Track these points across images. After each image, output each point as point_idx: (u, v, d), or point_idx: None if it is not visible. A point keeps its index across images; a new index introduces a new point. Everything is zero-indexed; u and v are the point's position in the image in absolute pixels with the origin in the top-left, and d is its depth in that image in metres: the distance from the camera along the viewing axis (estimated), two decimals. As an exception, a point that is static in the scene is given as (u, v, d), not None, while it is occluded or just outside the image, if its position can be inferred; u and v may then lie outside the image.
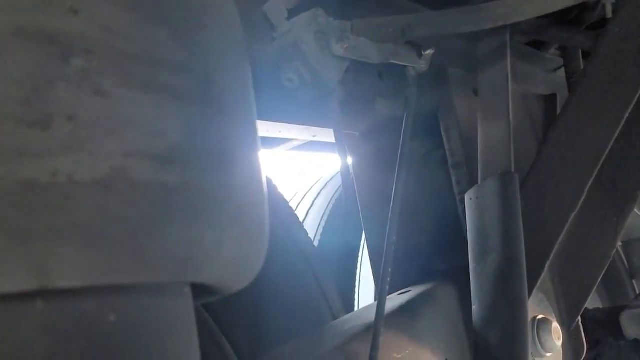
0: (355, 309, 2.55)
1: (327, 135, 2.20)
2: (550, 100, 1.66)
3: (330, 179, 3.04)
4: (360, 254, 2.67)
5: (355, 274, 2.64)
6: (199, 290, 0.46)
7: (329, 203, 2.81)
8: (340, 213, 2.73)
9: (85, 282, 0.34)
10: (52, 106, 0.33)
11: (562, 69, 1.70)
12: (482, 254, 1.01)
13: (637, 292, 2.38)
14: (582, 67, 1.48)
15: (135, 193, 0.35)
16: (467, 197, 1.09)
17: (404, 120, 1.00)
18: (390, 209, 0.93)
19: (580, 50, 1.48)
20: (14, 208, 0.31)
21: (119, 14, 0.36)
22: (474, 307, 1.01)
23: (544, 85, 1.69)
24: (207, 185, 0.40)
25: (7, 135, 0.32)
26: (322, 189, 2.93)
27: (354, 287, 2.61)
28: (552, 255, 1.11)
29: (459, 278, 1.17)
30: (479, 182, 1.09)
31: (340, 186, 2.92)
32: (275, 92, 0.97)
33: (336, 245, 2.65)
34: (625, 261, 2.36)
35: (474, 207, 1.05)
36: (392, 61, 1.00)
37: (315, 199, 2.89)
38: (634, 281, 2.38)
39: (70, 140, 0.33)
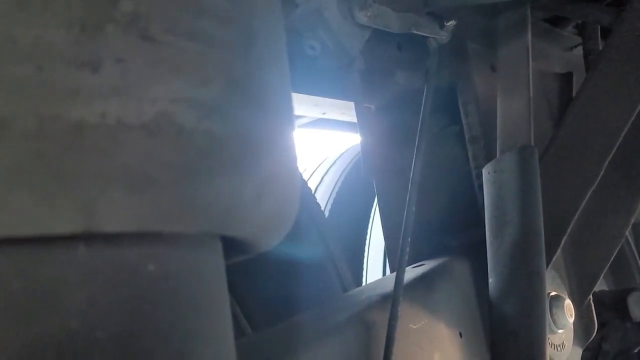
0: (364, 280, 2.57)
1: (336, 112, 2.19)
2: (566, 78, 1.65)
3: (339, 157, 3.03)
4: (368, 234, 2.68)
5: (363, 253, 2.65)
6: (230, 246, 0.46)
7: (338, 180, 2.81)
8: (349, 191, 2.73)
9: (130, 227, 0.34)
10: (102, 49, 0.33)
11: (579, 48, 1.69)
12: (499, 227, 1.01)
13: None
14: (599, 45, 1.47)
15: (181, 139, 0.35)
16: (484, 171, 1.09)
17: (425, 91, 1.00)
18: (410, 180, 0.93)
19: (599, 29, 1.47)
20: (65, 149, 0.31)
21: None
22: (490, 280, 1.01)
23: (560, 63, 1.68)
24: (248, 138, 0.39)
25: (59, 76, 0.31)
26: (331, 166, 2.93)
27: (361, 269, 2.62)
28: (568, 230, 1.11)
29: (473, 253, 1.17)
30: (498, 156, 1.09)
31: (349, 163, 2.92)
32: (295, 62, 0.97)
33: (344, 224, 2.66)
34: (633, 244, 2.35)
35: (492, 181, 1.05)
36: (414, 31, 0.99)
37: (324, 175, 2.88)
38: (641, 264, 2.38)
39: (119, 83, 0.33)
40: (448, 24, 1.01)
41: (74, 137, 0.31)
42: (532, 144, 1.06)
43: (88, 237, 0.33)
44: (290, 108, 0.47)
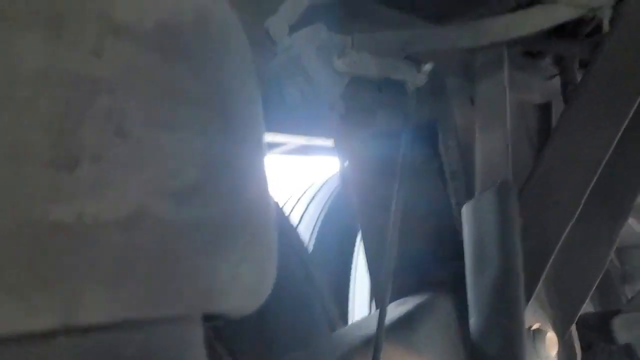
0: (350, 315, 2.56)
1: (320, 138, 2.20)
2: (545, 108, 1.68)
3: (324, 184, 3.04)
4: (354, 260, 2.68)
5: (349, 280, 2.65)
6: (210, 316, 0.47)
7: (323, 208, 2.82)
8: (334, 218, 2.74)
9: (110, 318, 0.35)
10: (78, 148, 0.34)
11: (557, 77, 1.72)
12: (479, 266, 1.02)
13: (629, 297, 2.40)
14: (577, 76, 1.49)
15: (158, 230, 0.36)
16: (464, 208, 1.10)
17: (403, 134, 1.02)
18: (391, 225, 0.94)
19: (576, 60, 1.50)
20: (42, 250, 0.32)
21: (142, 53, 0.37)
22: (471, 319, 1.02)
23: (539, 93, 1.71)
24: (225, 219, 0.41)
25: (37, 178, 0.32)
26: (316, 193, 2.94)
27: (348, 293, 2.62)
28: (548, 265, 1.12)
29: (456, 288, 1.18)
30: (477, 193, 1.10)
31: (333, 191, 2.93)
32: (276, 105, 0.98)
33: (330, 251, 2.66)
34: (619, 267, 2.38)
35: (471, 219, 1.07)
36: (392, 76, 1.01)
37: (309, 203, 2.89)
38: (626, 286, 2.40)
39: (96, 182, 0.34)
40: (425, 67, 1.03)
41: (51, 238, 0.32)
42: (511, 180, 1.08)
43: (68, 330, 0.34)
44: (265, 181, 0.48)
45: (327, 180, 3.08)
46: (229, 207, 0.41)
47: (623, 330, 2.16)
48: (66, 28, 0.34)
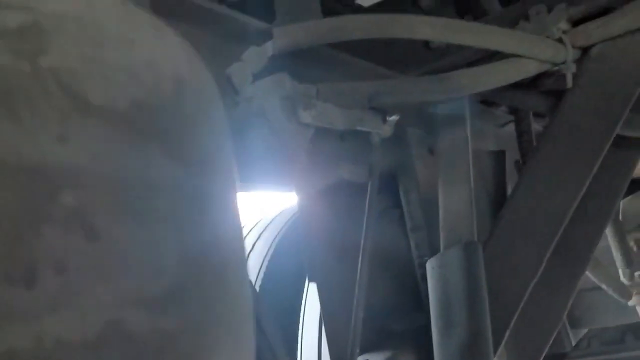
0: (298, 355, 2.49)
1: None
2: (499, 156, 1.67)
3: (271, 222, 2.97)
4: (303, 300, 2.62)
5: (299, 319, 2.58)
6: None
7: (270, 247, 2.75)
8: (284, 255, 2.67)
9: None
10: (38, 257, 0.28)
11: (510, 124, 1.72)
12: (446, 327, 0.99)
13: (575, 342, 2.41)
14: (532, 127, 1.49)
15: (132, 346, 0.30)
16: (428, 265, 1.07)
17: (369, 187, 0.98)
18: (357, 281, 0.90)
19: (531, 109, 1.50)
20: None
21: (111, 137, 0.32)
22: (438, 383, 0.98)
23: (493, 141, 1.70)
24: (206, 324, 0.35)
25: (-14, 298, 0.27)
26: (263, 231, 2.87)
27: (297, 333, 2.55)
28: (512, 325, 1.09)
29: (417, 340, 1.15)
30: (442, 250, 1.07)
31: (283, 226, 2.86)
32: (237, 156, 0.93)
33: (278, 290, 2.59)
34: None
35: (436, 277, 1.03)
36: (358, 127, 0.98)
37: (256, 241, 2.82)
38: (573, 330, 2.41)
39: (59, 296, 0.28)
40: (390, 118, 1.00)
41: (3, 370, 0.27)
42: (475, 238, 1.05)
43: None
44: (246, 272, 0.43)
45: (276, 216, 3.01)
46: (211, 309, 0.36)
47: (571, 376, 2.16)
48: (26, 108, 0.29)
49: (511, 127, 1.72)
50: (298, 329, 2.57)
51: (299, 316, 2.62)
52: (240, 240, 0.42)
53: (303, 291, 2.66)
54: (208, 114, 0.41)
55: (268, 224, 2.97)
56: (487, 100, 1.60)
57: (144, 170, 0.33)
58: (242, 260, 0.42)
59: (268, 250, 2.74)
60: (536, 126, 1.57)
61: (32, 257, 0.28)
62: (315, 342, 2.50)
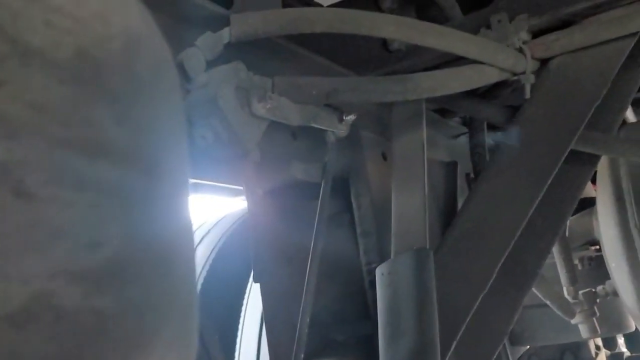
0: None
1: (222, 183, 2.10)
2: (450, 167, 1.66)
3: (213, 226, 2.91)
4: (243, 308, 2.57)
5: (237, 326, 2.53)
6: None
7: (212, 252, 2.69)
8: (225, 261, 2.62)
9: None
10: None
11: (463, 137, 1.72)
12: (394, 336, 0.95)
13: (513, 359, 2.42)
14: (485, 139, 1.49)
15: (61, 324, 0.26)
16: (378, 271, 1.04)
17: (322, 186, 0.95)
18: (306, 281, 0.87)
19: (485, 123, 1.49)
20: None
21: (53, 87, 0.28)
22: (383, 392, 0.95)
23: (445, 151, 1.69)
24: (148, 307, 0.31)
25: None
26: (205, 236, 2.80)
27: (236, 336, 2.50)
28: (459, 336, 1.07)
29: (361, 349, 1.12)
30: (393, 256, 1.04)
31: (225, 232, 2.81)
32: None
33: (218, 296, 2.53)
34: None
35: (386, 284, 1.00)
36: (313, 124, 0.94)
37: (197, 246, 2.75)
38: (512, 348, 2.42)
39: (-27, 261, 0.24)
40: (347, 117, 0.97)
41: None
42: (427, 245, 1.03)
43: None
44: (192, 257, 0.39)
45: (218, 221, 2.95)
46: (153, 293, 0.31)
47: (510, 393, 2.17)
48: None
49: (464, 139, 1.72)
50: (237, 333, 2.52)
51: (239, 320, 2.57)
52: (190, 223, 0.38)
53: (244, 297, 2.61)
54: (161, 78, 0.37)
55: (210, 230, 2.91)
56: (441, 110, 1.59)
57: (88, 131, 0.29)
58: (190, 245, 0.38)
59: (209, 255, 2.68)
60: (488, 140, 1.57)
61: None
62: (255, 347, 2.46)
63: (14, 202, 0.25)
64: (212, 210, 3.21)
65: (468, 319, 1.09)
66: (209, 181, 1.13)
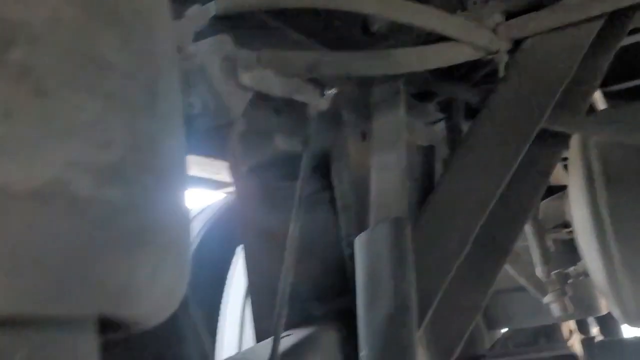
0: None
1: (195, 168, 2.13)
2: (428, 151, 1.71)
3: (194, 217, 2.94)
4: (224, 301, 2.60)
5: (218, 321, 2.56)
6: (107, 325, 0.40)
7: (193, 242, 2.71)
8: (206, 252, 2.65)
9: (10, 310, 0.28)
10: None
11: (440, 123, 1.77)
12: (372, 300, 1.00)
13: (490, 344, 2.48)
14: (462, 122, 1.54)
15: (75, 210, 0.30)
16: (357, 240, 1.08)
17: (303, 158, 0.98)
18: (287, 249, 0.90)
19: (463, 107, 1.54)
20: None
21: (65, 7, 0.31)
22: (361, 353, 0.99)
23: (423, 136, 1.74)
24: (148, 207, 0.35)
25: None
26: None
27: (217, 326, 2.53)
28: (435, 303, 1.12)
29: (340, 322, 1.15)
30: (371, 225, 1.09)
31: (207, 221, 2.83)
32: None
33: (200, 283, 2.56)
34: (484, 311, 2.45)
35: (364, 252, 1.04)
36: (295, 97, 0.98)
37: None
38: (489, 332, 2.48)
39: (5, 141, 0.27)
40: (329, 92, 1.01)
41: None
42: (407, 215, 1.07)
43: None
44: (185, 172, 0.43)
45: (199, 213, 2.98)
46: (154, 193, 0.35)
47: (486, 375, 2.22)
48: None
49: (441, 125, 1.77)
50: (218, 322, 2.55)
51: (220, 310, 2.60)
52: (183, 139, 0.42)
53: (225, 284, 2.65)
54: (159, 10, 0.41)
55: (194, 218, 2.93)
56: (420, 95, 1.63)
57: (96, 47, 0.33)
58: (184, 163, 0.42)
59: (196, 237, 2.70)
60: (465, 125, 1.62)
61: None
62: (237, 335, 2.49)
63: (34, 99, 0.29)
64: (195, 202, 3.24)
65: (444, 288, 1.14)
66: (196, 154, 1.17)
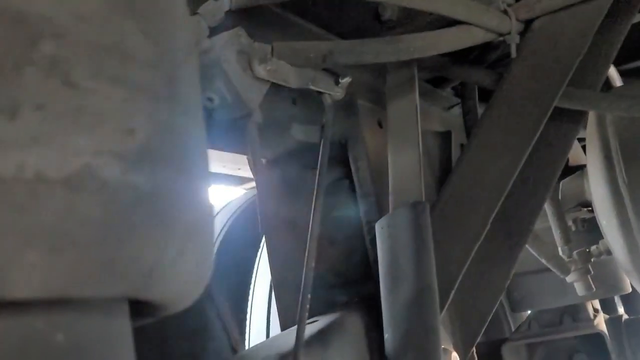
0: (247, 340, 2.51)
1: (217, 165, 2.15)
2: (445, 136, 1.72)
3: (218, 212, 2.97)
4: (251, 292, 2.63)
5: (246, 311, 2.59)
6: (137, 310, 0.42)
7: (218, 236, 2.74)
8: (232, 244, 2.68)
9: (43, 293, 0.30)
10: (20, 93, 0.29)
11: (456, 108, 1.77)
12: (394, 283, 1.01)
13: (515, 325, 2.49)
14: (477, 105, 1.54)
15: (105, 195, 0.32)
16: (377, 226, 1.09)
17: (321, 146, 1.00)
18: (309, 237, 0.92)
19: (477, 90, 1.55)
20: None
21: (94, 1, 0.34)
22: (386, 335, 1.01)
23: (439, 122, 1.75)
24: (172, 191, 0.37)
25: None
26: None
27: (245, 321, 2.56)
28: (457, 285, 1.13)
29: (365, 308, 1.17)
30: (391, 210, 1.10)
31: (231, 216, 2.86)
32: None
33: (225, 281, 2.59)
34: (504, 296, 2.45)
35: (385, 236, 1.06)
36: (311, 87, 1.00)
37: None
38: (513, 315, 2.48)
39: (39, 132, 0.29)
40: (343, 80, 1.02)
41: (-14, 190, 0.28)
42: (424, 199, 1.08)
43: (-3, 305, 0.29)
44: (206, 159, 0.45)
45: (221, 209, 3.01)
46: (178, 179, 0.37)
47: (512, 358, 2.22)
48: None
49: (457, 110, 1.78)
50: (246, 321, 2.58)
51: (247, 310, 2.63)
52: (203, 129, 0.44)
53: (251, 282, 2.67)
54: (177, 16, 0.42)
55: (216, 214, 2.96)
56: (434, 81, 1.64)
57: (120, 39, 0.35)
58: (205, 150, 0.44)
59: (215, 240, 2.73)
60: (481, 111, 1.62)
61: (14, 93, 0.29)
62: (264, 325, 2.52)
63: (64, 89, 0.31)
64: (218, 198, 3.27)
65: (464, 269, 1.15)
66: (217, 149, 1.19)
